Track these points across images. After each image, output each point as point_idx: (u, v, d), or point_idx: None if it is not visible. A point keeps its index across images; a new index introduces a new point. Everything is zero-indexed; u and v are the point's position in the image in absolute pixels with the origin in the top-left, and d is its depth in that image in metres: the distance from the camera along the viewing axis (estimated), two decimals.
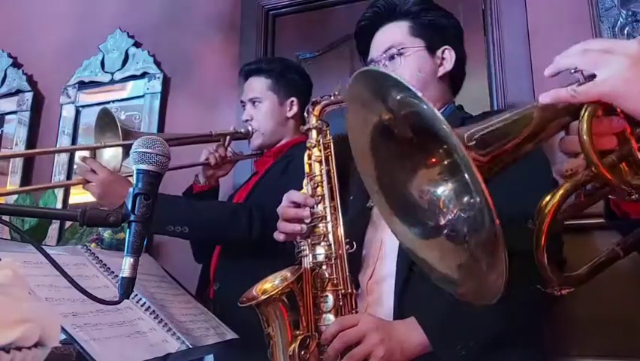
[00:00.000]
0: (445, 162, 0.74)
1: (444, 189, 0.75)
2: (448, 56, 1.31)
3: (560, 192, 0.67)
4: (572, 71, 0.67)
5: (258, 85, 1.84)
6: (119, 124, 1.65)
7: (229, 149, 1.82)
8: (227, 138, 1.79)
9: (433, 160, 0.75)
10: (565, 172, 0.68)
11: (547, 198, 0.67)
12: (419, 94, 0.66)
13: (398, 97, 0.71)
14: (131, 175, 0.72)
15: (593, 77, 0.64)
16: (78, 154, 2.54)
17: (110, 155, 1.70)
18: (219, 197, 1.90)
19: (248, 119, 1.83)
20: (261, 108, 1.82)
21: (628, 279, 1.40)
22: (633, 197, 0.66)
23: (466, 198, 0.72)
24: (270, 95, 1.83)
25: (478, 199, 0.63)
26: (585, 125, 0.64)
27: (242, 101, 1.89)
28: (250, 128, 1.82)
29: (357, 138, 0.81)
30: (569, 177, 0.67)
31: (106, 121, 1.70)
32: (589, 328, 1.45)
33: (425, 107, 0.66)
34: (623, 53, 0.63)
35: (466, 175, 0.67)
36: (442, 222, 0.75)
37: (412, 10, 1.32)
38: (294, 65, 1.97)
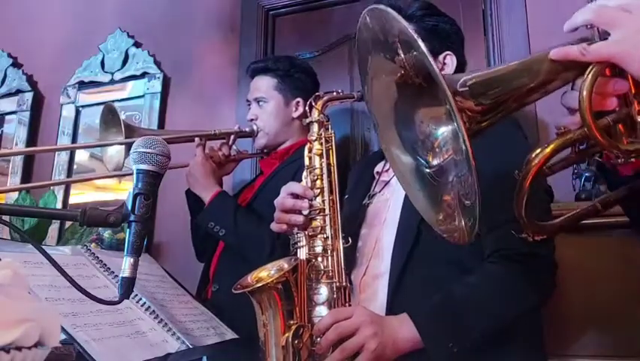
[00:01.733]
0: (447, 106, 0.75)
1: (443, 131, 0.76)
2: (450, 62, 1.32)
3: (550, 147, 0.67)
4: (588, 26, 0.65)
5: (264, 84, 1.81)
6: (122, 120, 1.67)
7: (233, 147, 1.80)
8: (232, 136, 1.77)
9: (437, 103, 0.75)
10: (558, 129, 0.68)
11: (537, 150, 0.68)
12: (415, 36, 0.68)
13: (400, 39, 0.72)
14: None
15: (607, 35, 0.63)
16: (78, 154, 2.56)
17: (115, 150, 1.76)
18: None
19: (253, 118, 1.80)
20: (266, 108, 1.79)
21: (628, 279, 1.40)
22: (619, 160, 0.66)
23: (458, 143, 0.73)
24: (276, 95, 1.80)
25: (463, 147, 0.64)
26: (586, 86, 0.62)
27: (247, 100, 1.87)
28: (255, 128, 1.79)
29: (374, 82, 0.82)
30: (562, 135, 0.68)
31: (110, 117, 1.73)
32: (588, 328, 1.45)
33: (419, 48, 0.67)
34: None
35: (454, 120, 0.68)
36: (435, 161, 0.76)
37: (415, 14, 1.32)
38: (302, 65, 1.90)
